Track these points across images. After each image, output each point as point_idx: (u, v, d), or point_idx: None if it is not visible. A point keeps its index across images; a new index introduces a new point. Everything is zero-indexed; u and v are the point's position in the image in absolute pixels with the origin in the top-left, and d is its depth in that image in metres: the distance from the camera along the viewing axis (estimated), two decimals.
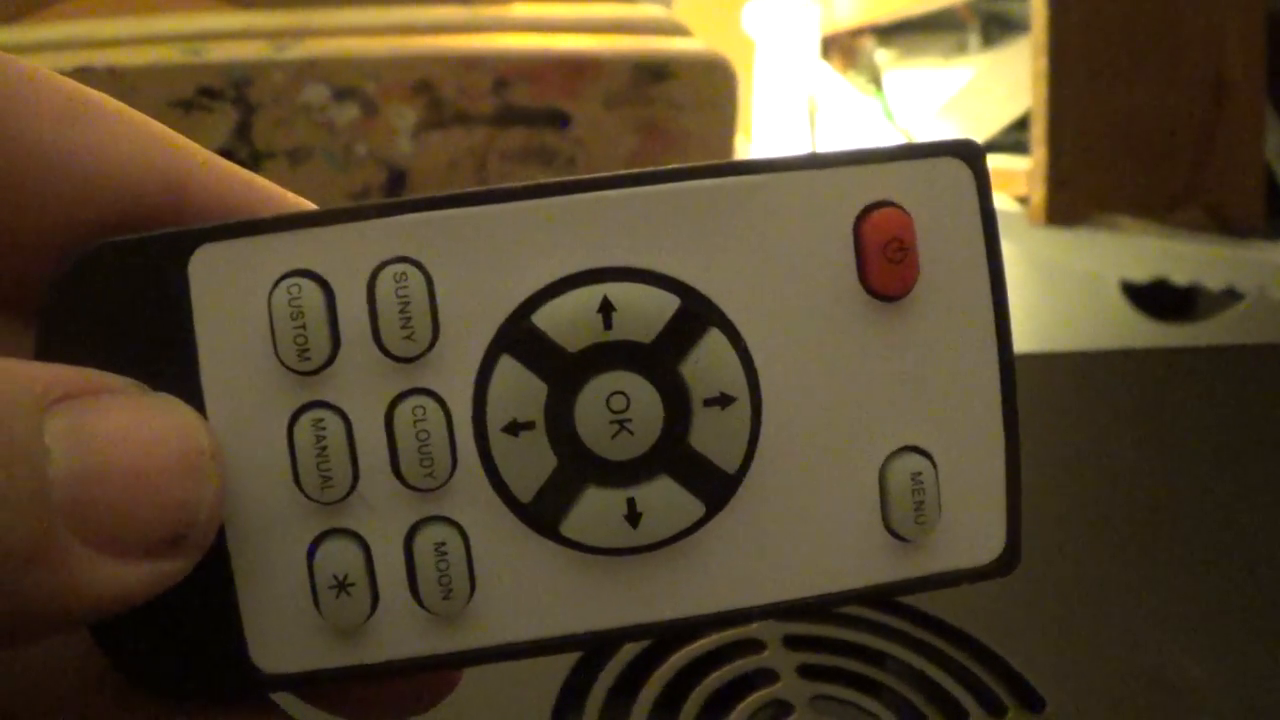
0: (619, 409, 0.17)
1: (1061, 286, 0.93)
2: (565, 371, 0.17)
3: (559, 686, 0.29)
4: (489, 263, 0.17)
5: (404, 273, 0.17)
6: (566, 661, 0.30)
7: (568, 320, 0.17)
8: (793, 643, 0.31)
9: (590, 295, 0.17)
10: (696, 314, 0.17)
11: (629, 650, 0.30)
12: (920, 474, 0.18)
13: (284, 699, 0.19)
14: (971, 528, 0.18)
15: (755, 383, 0.17)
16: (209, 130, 0.65)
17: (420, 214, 0.17)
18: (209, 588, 0.17)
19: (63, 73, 0.17)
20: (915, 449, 0.18)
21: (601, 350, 0.17)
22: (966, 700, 0.30)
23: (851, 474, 0.18)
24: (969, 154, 0.18)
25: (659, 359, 0.17)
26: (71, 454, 0.14)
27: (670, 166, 0.17)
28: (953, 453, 0.18)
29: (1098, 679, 0.31)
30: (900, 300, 0.18)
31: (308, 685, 0.18)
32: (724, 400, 0.17)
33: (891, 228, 0.17)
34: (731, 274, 0.17)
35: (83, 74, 0.63)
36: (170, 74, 0.64)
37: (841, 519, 0.18)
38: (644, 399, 0.17)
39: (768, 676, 0.30)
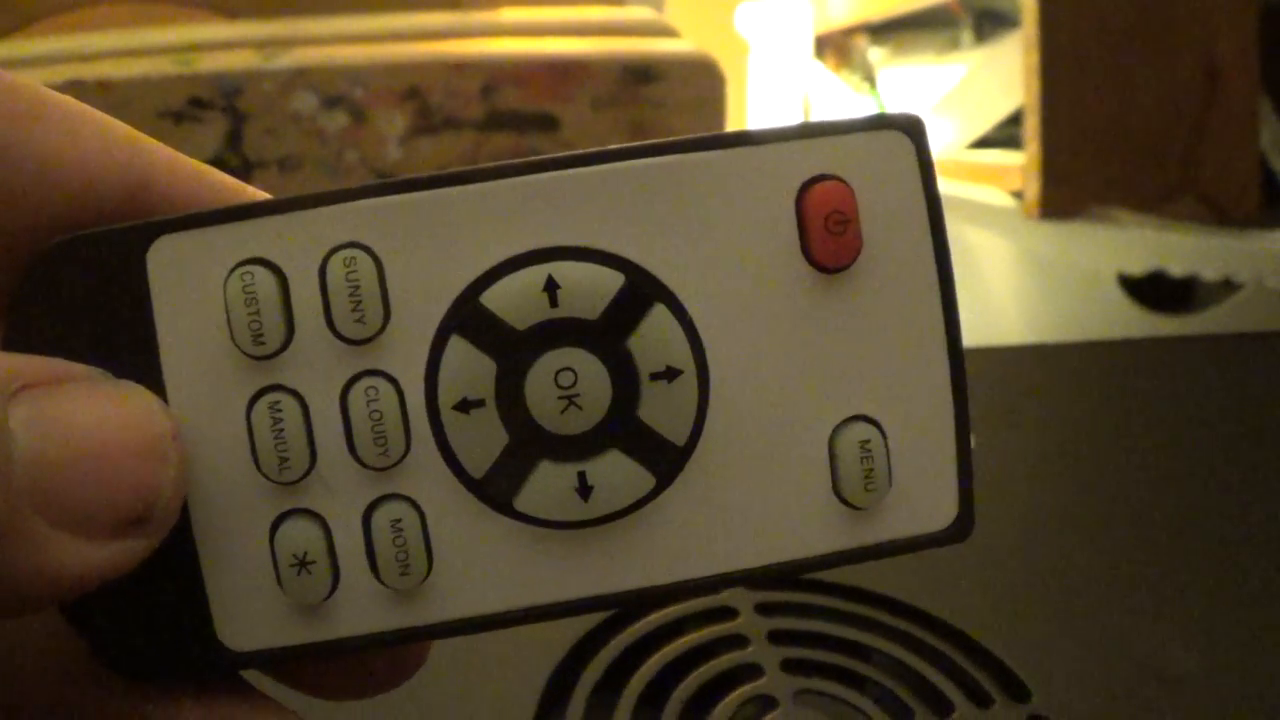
0: (567, 385, 0.17)
1: (1058, 281, 0.93)
2: (514, 349, 0.17)
3: (544, 682, 0.29)
4: (437, 246, 0.17)
5: (353, 257, 0.17)
6: (552, 657, 0.30)
7: (514, 299, 0.17)
8: (777, 638, 0.31)
9: (535, 275, 0.17)
10: (641, 290, 0.17)
11: (614, 645, 0.30)
12: (869, 442, 0.18)
13: (255, 677, 0.19)
14: (923, 495, 0.18)
15: (702, 356, 0.18)
16: (200, 140, 0.65)
17: (369, 200, 0.17)
18: (177, 569, 0.17)
19: (54, 86, 0.18)
20: (863, 418, 0.18)
21: (549, 328, 0.17)
22: (952, 692, 0.30)
23: (800, 444, 0.18)
24: (910, 127, 0.18)
25: (605, 335, 0.17)
26: (35, 439, 0.15)
27: (614, 146, 0.18)
28: (901, 421, 0.18)
29: (1084, 669, 0.31)
30: (843, 271, 0.18)
31: (274, 662, 0.19)
32: (670, 374, 0.17)
33: (832, 200, 0.17)
34: (676, 250, 0.18)
35: (73, 87, 0.63)
36: (160, 85, 0.65)
37: (792, 489, 0.18)
38: (592, 374, 0.17)
39: (752, 671, 0.30)
